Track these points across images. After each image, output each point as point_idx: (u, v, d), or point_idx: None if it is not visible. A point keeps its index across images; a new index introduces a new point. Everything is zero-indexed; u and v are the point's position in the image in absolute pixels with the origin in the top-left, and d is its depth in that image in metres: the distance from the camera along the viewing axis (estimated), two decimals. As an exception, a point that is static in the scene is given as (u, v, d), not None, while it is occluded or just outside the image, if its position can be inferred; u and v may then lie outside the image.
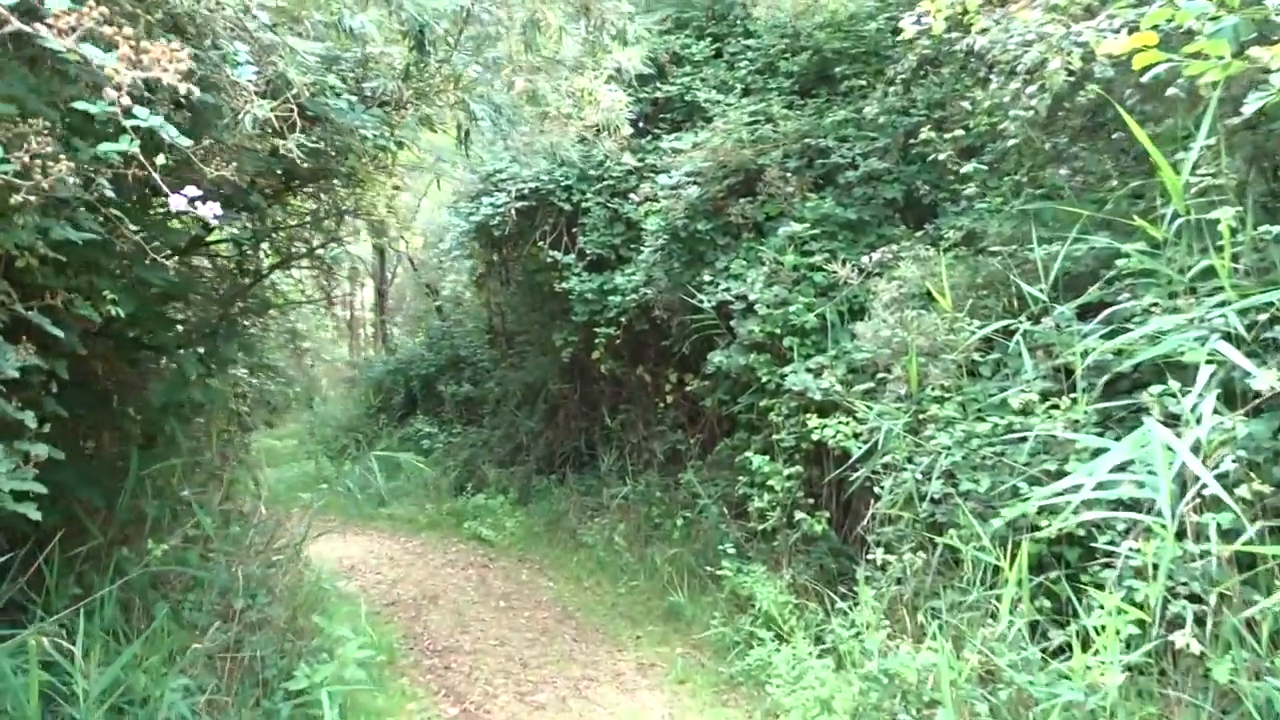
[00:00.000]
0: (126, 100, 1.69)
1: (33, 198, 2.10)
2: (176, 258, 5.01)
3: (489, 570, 8.96)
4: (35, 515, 2.80)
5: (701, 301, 7.60)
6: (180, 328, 4.69)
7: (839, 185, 7.40)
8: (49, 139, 1.94)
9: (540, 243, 9.85)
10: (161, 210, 4.17)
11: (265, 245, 5.26)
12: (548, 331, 10.62)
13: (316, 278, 6.18)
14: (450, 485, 11.55)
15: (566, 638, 7.03)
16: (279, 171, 4.76)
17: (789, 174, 7.55)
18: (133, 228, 2.77)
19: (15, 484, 2.71)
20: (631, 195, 9.10)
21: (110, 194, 2.99)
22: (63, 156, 1.81)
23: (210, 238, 5.04)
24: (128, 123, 1.85)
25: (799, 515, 6.44)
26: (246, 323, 5.82)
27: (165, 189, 2.33)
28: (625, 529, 8.82)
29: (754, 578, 6.49)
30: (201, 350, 4.63)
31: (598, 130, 5.79)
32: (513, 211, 9.57)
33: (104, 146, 1.90)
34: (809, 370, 6.49)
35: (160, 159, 2.67)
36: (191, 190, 1.78)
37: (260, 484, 6.40)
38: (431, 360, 14.01)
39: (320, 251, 5.62)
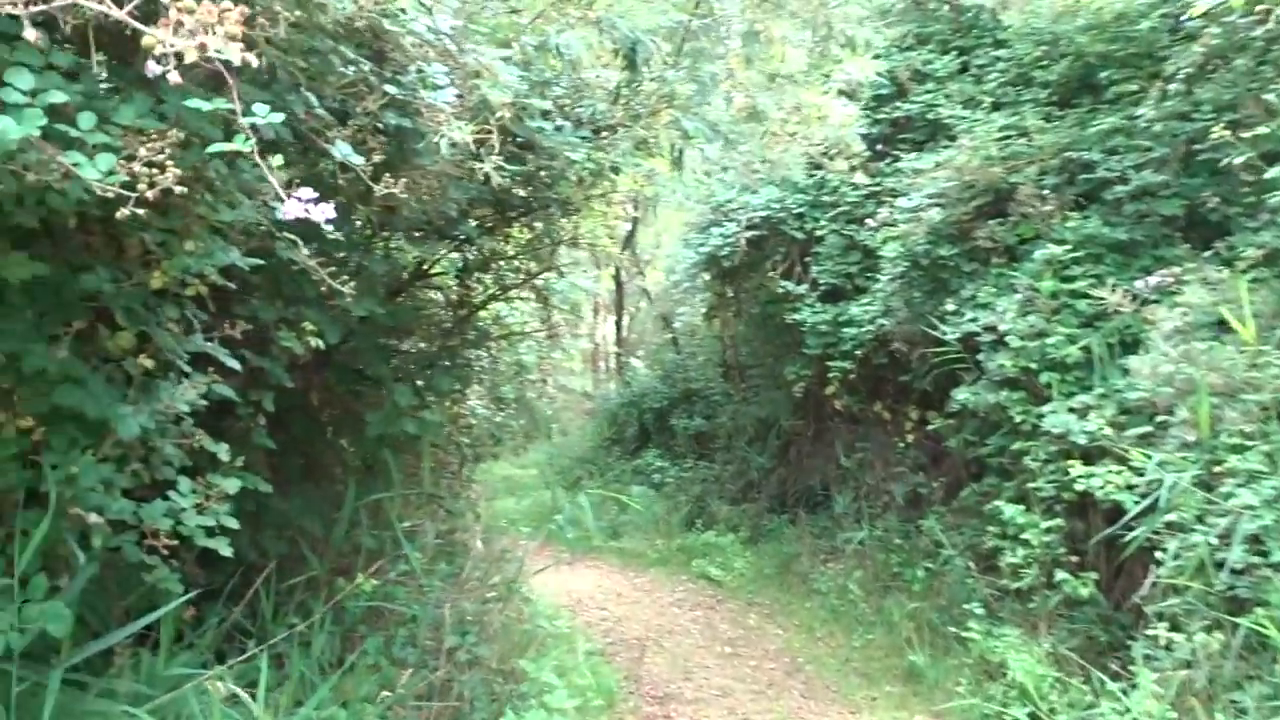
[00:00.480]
0: (175, 76, 1.50)
1: (195, 224, 2.02)
2: (400, 290, 5.04)
3: (715, 612, 8.60)
4: (226, 550, 2.73)
5: (945, 333, 6.96)
6: (397, 359, 4.68)
7: (1105, 202, 6.56)
8: (159, 145, 1.80)
9: (771, 273, 9.48)
10: (385, 243, 4.17)
11: (486, 277, 5.22)
12: (780, 365, 10.20)
13: (543, 310, 6.10)
14: (680, 520, 11.32)
15: (795, 693, 6.55)
16: (492, 201, 4.67)
17: (1046, 192, 6.79)
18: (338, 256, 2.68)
19: (201, 520, 2.63)
20: (868, 221, 8.56)
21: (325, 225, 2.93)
22: (168, 164, 1.65)
23: (432, 270, 5.04)
24: (245, 120, 1.67)
25: (1060, 575, 5.67)
26: (471, 354, 5.81)
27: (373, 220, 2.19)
28: (861, 577, 8.22)
29: (1006, 643, 5.76)
30: (419, 382, 4.59)
31: (826, 150, 5.36)
32: (743, 241, 9.26)
33: (214, 148, 1.74)
34: (1071, 410, 5.73)
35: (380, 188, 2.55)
36: (306, 192, 1.57)
37: (481, 516, 6.37)
38: (665, 393, 13.91)
39: (539, 282, 5.51)
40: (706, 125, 4.45)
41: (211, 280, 2.52)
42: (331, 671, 3.96)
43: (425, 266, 4.76)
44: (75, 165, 1.61)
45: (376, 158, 2.44)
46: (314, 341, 3.37)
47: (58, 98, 1.72)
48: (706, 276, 10.68)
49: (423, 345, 4.93)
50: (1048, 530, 5.75)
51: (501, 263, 5.11)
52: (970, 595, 6.67)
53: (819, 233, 9.20)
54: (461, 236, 4.60)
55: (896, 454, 8.79)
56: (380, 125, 3.24)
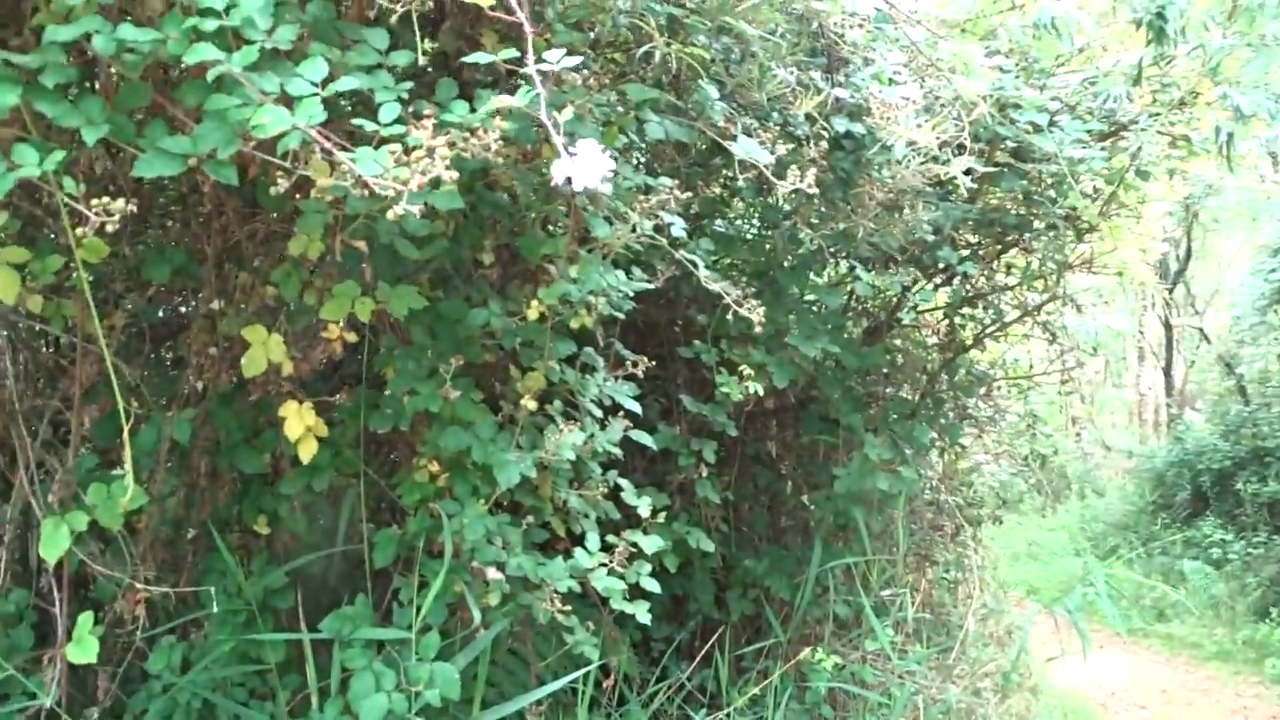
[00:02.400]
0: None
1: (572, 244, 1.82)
2: (879, 329, 4.59)
3: (1297, 730, 6.81)
4: (645, 617, 2.47)
5: None
6: (874, 408, 4.21)
7: None
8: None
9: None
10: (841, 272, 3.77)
11: (978, 313, 4.54)
12: (1392, 418, 7.96)
13: (1054, 351, 5.23)
14: (1249, 608, 9.27)
15: None
16: (980, 221, 4.05)
17: None
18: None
19: (611, 581, 2.40)
20: None
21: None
22: (442, 155, 1.39)
23: (913, 305, 4.51)
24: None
25: None
26: (965, 403, 5.15)
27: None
28: None
29: None
30: (896, 432, 4.08)
31: None
32: (1332, 261, 7.40)
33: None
34: None
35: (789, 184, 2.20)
36: (587, 145, 1.21)
37: (985, 586, 5.60)
38: (1227, 451, 11.62)
39: (1046, 318, 4.68)
40: (1272, 98, 3.41)
41: (602, 311, 2.30)
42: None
43: (901, 301, 4.24)
44: (353, 160, 1.44)
45: (813, 173, 2.05)
46: (753, 386, 3.06)
47: (349, 84, 1.58)
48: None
49: (903, 393, 4.41)
50: None
51: (997, 296, 4.42)
52: None
53: None
54: (944, 265, 4.03)
55: None
56: (824, 131, 2.86)
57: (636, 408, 2.60)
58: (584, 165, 1.21)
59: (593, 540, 2.48)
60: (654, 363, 2.91)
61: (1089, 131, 3.74)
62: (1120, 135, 4.03)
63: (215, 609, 2.38)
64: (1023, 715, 4.89)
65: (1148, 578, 10.92)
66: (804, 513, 4.41)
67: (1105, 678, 8.11)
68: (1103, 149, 3.89)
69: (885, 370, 4.44)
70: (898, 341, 4.68)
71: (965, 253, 4.32)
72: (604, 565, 2.43)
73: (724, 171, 3.40)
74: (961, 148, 2.75)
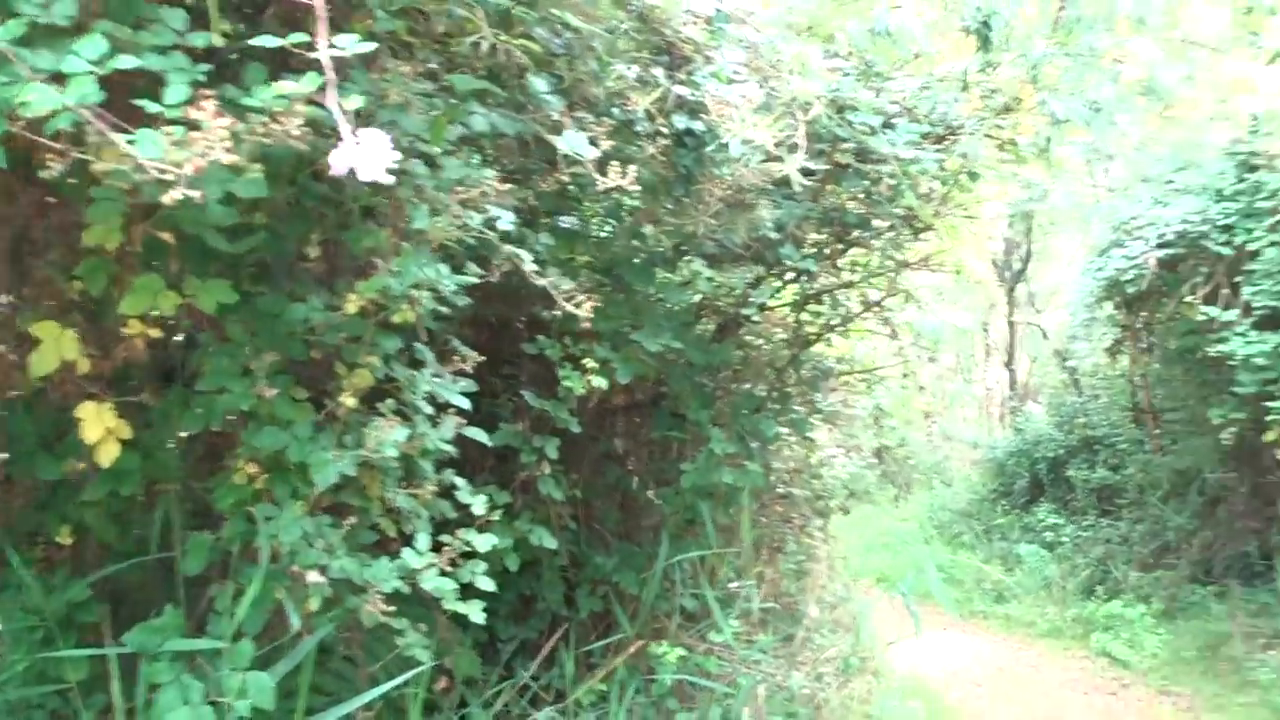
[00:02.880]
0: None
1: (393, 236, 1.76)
2: (728, 326, 4.65)
3: (1118, 700, 7.25)
4: (478, 617, 2.42)
5: None
6: (722, 403, 4.25)
7: None
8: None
9: (1189, 298, 7.97)
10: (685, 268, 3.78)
11: (823, 309, 4.64)
12: (1203, 407, 8.52)
13: (897, 346, 5.40)
14: (1078, 587, 9.82)
15: (1224, 821, 5.22)
16: (821, 219, 4.13)
17: None
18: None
19: (441, 582, 2.33)
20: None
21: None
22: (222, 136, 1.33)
23: (760, 302, 4.58)
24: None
25: None
26: (812, 398, 5.26)
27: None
28: (1319, 674, 6.52)
29: None
30: (744, 427, 4.14)
31: (1254, 126, 4.22)
32: (1152, 262, 7.89)
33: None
34: None
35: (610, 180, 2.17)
36: (371, 134, 1.16)
37: (834, 576, 5.75)
38: (1061, 441, 12.30)
39: (888, 314, 4.82)
40: (1085, 105, 3.60)
41: (424, 304, 2.23)
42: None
43: (747, 298, 4.30)
44: (130, 143, 1.35)
45: (634, 169, 2.03)
46: (597, 381, 3.04)
47: (129, 63, 1.48)
48: (1109, 306, 9.27)
49: (751, 387, 4.47)
50: None
51: (840, 292, 4.53)
52: None
53: (1252, 246, 7.58)
54: (789, 263, 4.10)
55: (1369, 520, 6.93)
56: (664, 129, 2.86)
57: (465, 403, 2.53)
58: (367, 155, 1.15)
59: (422, 540, 2.41)
60: (505, 361, 2.86)
61: (923, 135, 3.87)
62: (952, 138, 4.18)
63: (3, 626, 2.20)
64: (864, 698, 5.05)
65: (988, 562, 11.49)
66: (654, 509, 4.43)
67: (946, 658, 8.46)
68: (937, 150, 4.03)
69: (736, 367, 4.49)
70: (749, 339, 4.75)
71: (810, 251, 4.42)
72: (433, 565, 2.35)
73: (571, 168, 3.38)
74: (796, 146, 2.79)
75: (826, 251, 4.59)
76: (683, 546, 4.15)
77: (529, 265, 2.13)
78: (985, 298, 18.72)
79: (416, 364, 2.50)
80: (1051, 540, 10.94)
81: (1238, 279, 7.72)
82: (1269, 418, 7.12)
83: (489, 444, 2.72)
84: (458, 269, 2.45)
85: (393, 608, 2.29)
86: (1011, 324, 16.63)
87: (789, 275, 4.59)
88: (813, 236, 4.41)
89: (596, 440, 4.22)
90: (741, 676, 4.07)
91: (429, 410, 2.44)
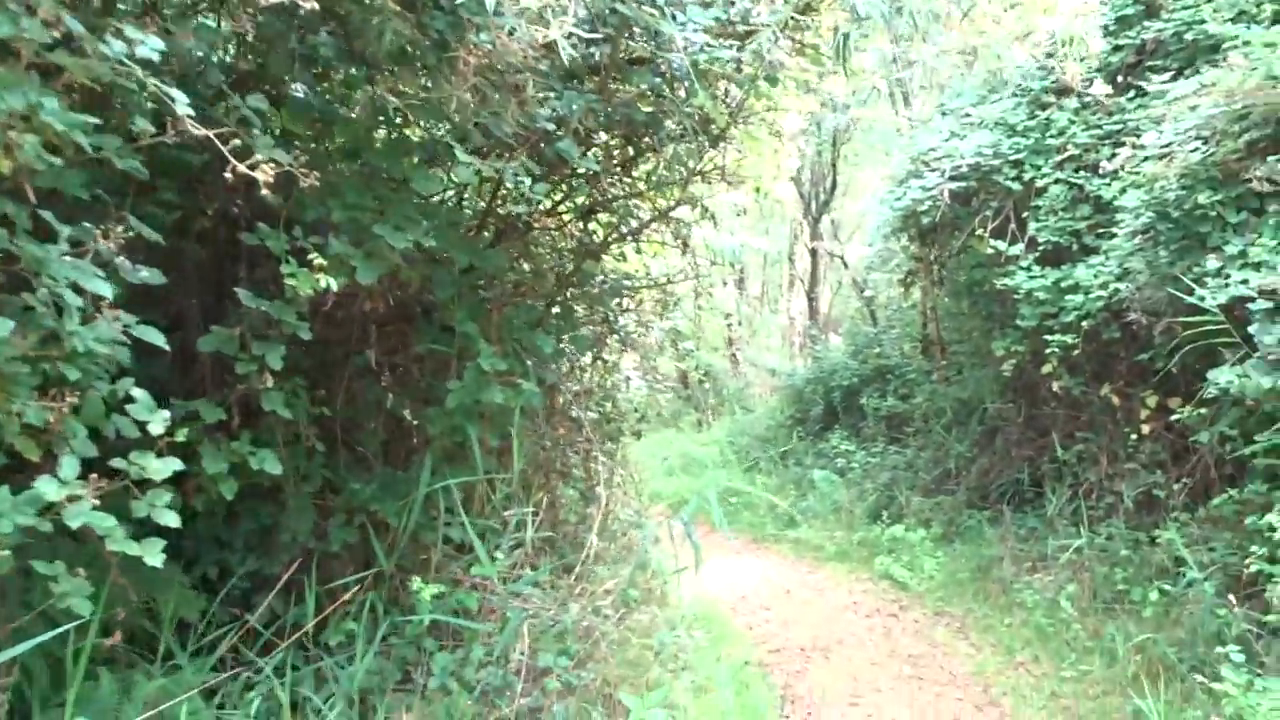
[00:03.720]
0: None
1: None
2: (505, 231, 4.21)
3: (897, 621, 7.45)
4: (155, 560, 1.96)
5: (1202, 299, 5.52)
6: (498, 317, 3.85)
7: None
8: None
9: (980, 232, 8.12)
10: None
11: (610, 218, 4.30)
12: (987, 340, 8.80)
13: (690, 262, 5.14)
14: (865, 511, 10.11)
15: (985, 734, 5.38)
16: (610, 118, 3.75)
17: (1351, 115, 5.23)
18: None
19: (91, 518, 1.85)
20: (1103, 165, 7.10)
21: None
22: None
23: (546, 208, 4.18)
24: None
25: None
26: (610, 315, 4.93)
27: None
28: (1075, 592, 6.85)
29: (1273, 700, 4.40)
30: (519, 344, 3.76)
31: (1051, 49, 4.11)
32: (945, 194, 7.96)
33: None
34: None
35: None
36: None
37: (623, 502, 5.50)
38: (855, 370, 12.62)
39: (683, 231, 4.53)
40: (887, 1, 3.35)
41: (26, 148, 1.69)
42: (382, 698, 3.21)
43: (523, 199, 3.87)
44: None
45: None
46: (328, 281, 2.58)
47: None
48: (904, 238, 9.40)
49: (531, 300, 4.08)
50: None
51: (630, 201, 4.19)
52: (1221, 631, 5.28)
53: (1040, 183, 7.77)
54: (572, 164, 3.70)
55: (1127, 448, 7.30)
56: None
57: (107, 291, 2.01)
58: None
59: (68, 466, 1.91)
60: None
61: (718, 25, 3.53)
62: (749, 38, 3.88)
63: None
64: (646, 629, 4.86)
65: (782, 488, 11.70)
66: (422, 431, 4.01)
67: (737, 583, 8.51)
68: (733, 48, 3.72)
69: (516, 279, 4.09)
70: (536, 250, 4.35)
71: (596, 153, 4.04)
72: (79, 497, 1.86)
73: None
74: (565, 8, 2.37)
75: (614, 155, 4.22)
76: (452, 472, 3.75)
77: (183, 109, 1.65)
78: (790, 225, 19.01)
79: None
80: (843, 466, 11.23)
81: (1025, 214, 7.91)
82: (1047, 350, 7.37)
83: (165, 347, 2.20)
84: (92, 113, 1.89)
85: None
86: (814, 253, 16.92)
87: (574, 179, 4.20)
88: (602, 137, 4.03)
89: (352, 354, 3.74)
90: (511, 611, 3.75)
91: (77, 300, 1.92)
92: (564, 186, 4.05)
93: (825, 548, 9.65)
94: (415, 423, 3.95)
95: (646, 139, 3.89)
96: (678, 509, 11.50)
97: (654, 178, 4.10)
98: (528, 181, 3.05)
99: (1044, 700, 5.82)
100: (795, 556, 9.61)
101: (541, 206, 3.96)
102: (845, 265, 16.24)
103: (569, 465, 4.89)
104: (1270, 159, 5.54)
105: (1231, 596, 5.34)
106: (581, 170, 3.95)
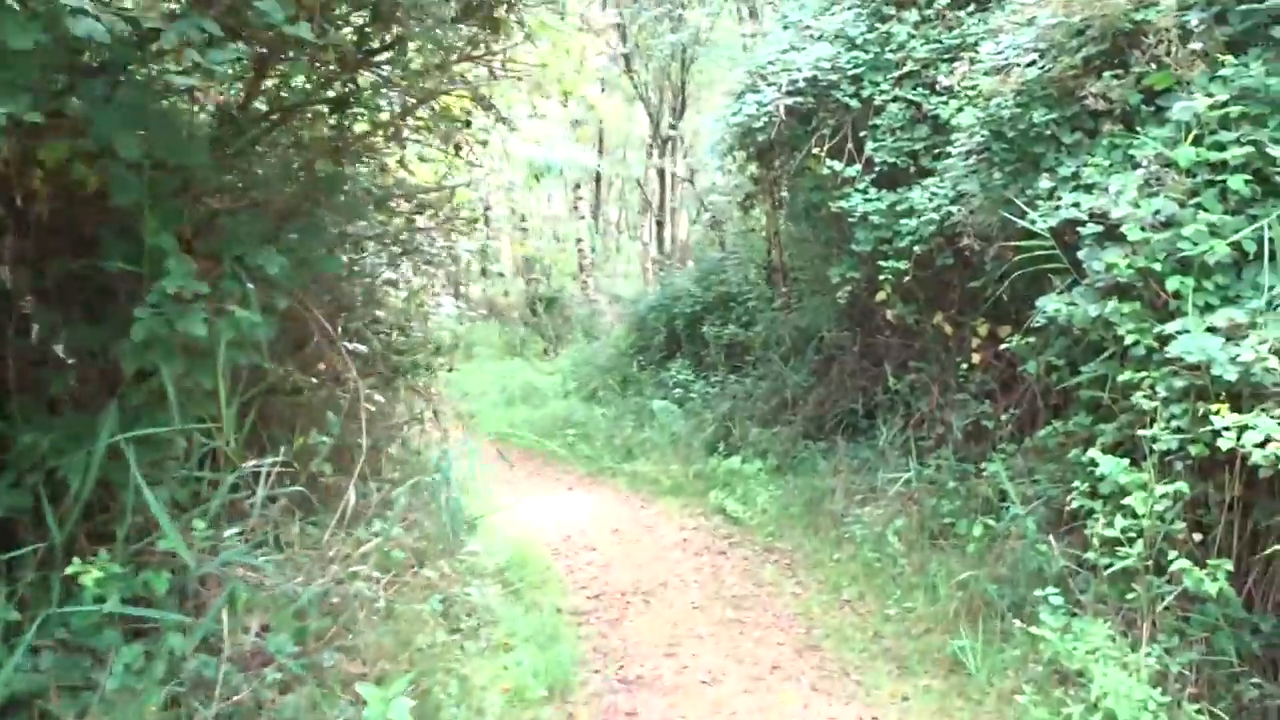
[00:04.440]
0: None
1: None
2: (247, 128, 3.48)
3: (726, 559, 7.14)
4: None
5: (1033, 222, 5.23)
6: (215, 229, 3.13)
7: (1277, 43, 4.72)
8: None
9: (817, 151, 7.72)
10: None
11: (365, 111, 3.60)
12: (826, 266, 8.46)
13: (456, 164, 4.49)
14: (704, 443, 9.76)
15: (803, 682, 5.09)
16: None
17: (1189, 30, 4.95)
18: None
19: None
20: (940, 80, 6.75)
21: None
22: None
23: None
24: None
25: (1176, 559, 4.05)
26: (357, 228, 4.24)
27: None
28: (903, 526, 6.66)
29: (1089, 643, 4.20)
30: (241, 262, 3.07)
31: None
32: (781, 110, 7.51)
33: None
34: (1212, 330, 4.03)
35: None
36: None
37: (368, 448, 4.85)
38: (699, 297, 12.20)
39: (447, 128, 3.85)
40: None
41: None
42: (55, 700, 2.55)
43: (255, 88, 3.16)
44: None
45: None
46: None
47: None
48: (741, 158, 8.93)
49: (260, 208, 3.36)
50: (1164, 497, 4.11)
51: (384, 90, 3.50)
52: (1041, 568, 5.12)
53: (879, 100, 7.40)
54: (289, 35, 2.99)
55: (958, 377, 7.11)
56: None
57: None
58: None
59: None
60: None
61: None
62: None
63: None
64: (431, 587, 4.31)
65: (621, 418, 11.27)
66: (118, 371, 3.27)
67: (565, 521, 8.06)
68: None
69: (239, 183, 3.36)
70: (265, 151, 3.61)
71: (344, 35, 3.33)
72: None
73: None
74: None
75: (370, 39, 3.51)
76: (153, 420, 3.06)
77: None
78: (643, 147, 18.36)
79: None
80: (682, 396, 10.85)
81: (864, 134, 7.55)
82: (880, 277, 7.07)
83: None
84: None
85: None
86: (661, 175, 16.38)
87: (323, 67, 3.48)
88: (345, 11, 3.32)
89: (21, 275, 2.98)
90: (237, 585, 3.12)
91: None
92: (314, 77, 3.33)
93: (661, 481, 9.30)
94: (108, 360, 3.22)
95: (397, 18, 3.19)
96: (517, 441, 10.97)
97: (406, 63, 3.42)
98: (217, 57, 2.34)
99: (866, 641, 5.59)
100: (631, 490, 9.22)
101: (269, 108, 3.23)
102: (693, 186, 15.75)
103: (330, 408, 4.23)
104: (1106, 75, 5.25)
105: (1052, 533, 5.17)
106: (328, 57, 3.23)
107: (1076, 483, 4.98)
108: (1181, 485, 4.07)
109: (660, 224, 16.91)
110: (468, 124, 4.16)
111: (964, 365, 6.98)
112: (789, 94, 7.46)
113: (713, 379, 10.88)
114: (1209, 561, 3.96)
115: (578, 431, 11.33)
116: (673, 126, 15.81)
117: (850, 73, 7.42)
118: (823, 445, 8.53)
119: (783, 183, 9.21)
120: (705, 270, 12.98)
